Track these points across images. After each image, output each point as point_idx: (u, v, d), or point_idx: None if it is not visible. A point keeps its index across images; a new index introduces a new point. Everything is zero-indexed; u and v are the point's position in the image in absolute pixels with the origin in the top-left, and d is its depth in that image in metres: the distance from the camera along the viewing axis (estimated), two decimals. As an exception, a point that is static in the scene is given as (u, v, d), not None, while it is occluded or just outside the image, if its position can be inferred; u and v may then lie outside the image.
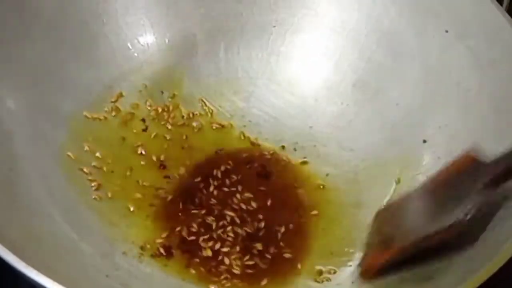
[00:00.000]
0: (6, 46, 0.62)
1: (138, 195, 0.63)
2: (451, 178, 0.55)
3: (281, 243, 0.62)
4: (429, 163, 0.64)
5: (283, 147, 0.69)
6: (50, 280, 0.44)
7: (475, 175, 0.52)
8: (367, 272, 0.57)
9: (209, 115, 0.70)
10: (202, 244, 0.61)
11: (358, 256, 0.60)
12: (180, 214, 0.63)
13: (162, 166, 0.66)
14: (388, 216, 0.59)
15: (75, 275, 0.53)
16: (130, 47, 0.70)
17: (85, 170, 0.64)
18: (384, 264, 0.55)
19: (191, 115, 0.70)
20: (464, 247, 0.53)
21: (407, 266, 0.55)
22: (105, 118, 0.68)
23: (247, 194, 0.65)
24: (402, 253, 0.55)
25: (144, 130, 0.68)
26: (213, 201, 0.64)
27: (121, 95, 0.69)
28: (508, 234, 0.51)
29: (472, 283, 0.48)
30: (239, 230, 0.62)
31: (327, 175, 0.67)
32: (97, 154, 0.65)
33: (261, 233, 0.62)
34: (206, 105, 0.70)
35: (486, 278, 0.48)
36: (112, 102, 0.68)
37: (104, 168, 0.65)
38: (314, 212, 0.64)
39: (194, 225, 0.62)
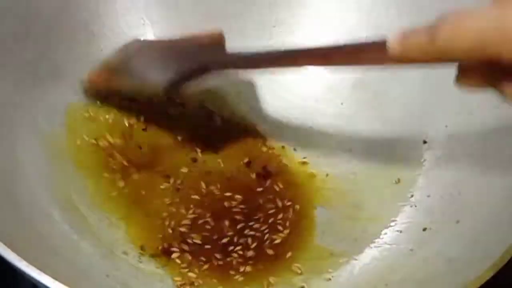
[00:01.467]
0: (6, 46, 0.62)
1: (138, 195, 0.63)
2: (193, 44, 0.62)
3: (282, 244, 0.62)
4: (429, 164, 0.64)
5: (283, 147, 0.69)
6: (52, 279, 0.44)
7: (214, 52, 0.60)
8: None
9: (209, 115, 0.70)
10: (202, 244, 0.61)
11: (358, 257, 0.61)
12: (180, 214, 0.63)
13: (161, 165, 0.66)
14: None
15: (75, 275, 0.53)
16: (130, 47, 0.70)
17: (84, 170, 0.64)
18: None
19: (190, 115, 0.70)
20: None
21: None
22: (105, 118, 0.67)
23: (247, 195, 0.65)
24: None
25: (144, 129, 0.68)
26: (213, 201, 0.64)
27: (120, 95, 0.69)
28: (507, 234, 0.51)
29: (472, 283, 0.48)
30: (239, 231, 0.62)
31: (327, 175, 0.67)
32: (97, 154, 0.65)
33: (261, 234, 0.62)
34: (206, 105, 0.70)
35: (486, 279, 0.48)
36: (111, 102, 0.68)
37: (104, 169, 0.65)
38: (314, 212, 0.64)
39: (194, 226, 0.62)
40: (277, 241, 0.62)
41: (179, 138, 0.68)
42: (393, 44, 0.42)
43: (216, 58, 0.59)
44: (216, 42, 0.61)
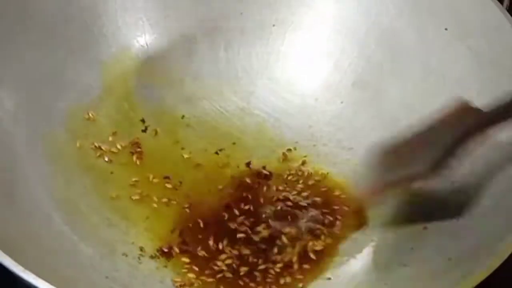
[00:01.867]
0: (5, 47, 0.62)
1: (138, 197, 0.64)
2: (442, 122, 0.56)
3: (281, 244, 0.61)
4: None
5: (283, 146, 0.69)
6: (48, 284, 0.44)
7: (463, 121, 0.54)
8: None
9: (209, 115, 0.70)
10: (202, 245, 0.61)
11: (357, 256, 0.60)
12: (179, 215, 0.63)
13: (162, 166, 0.66)
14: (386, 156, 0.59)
15: (74, 276, 0.53)
16: (130, 47, 0.70)
17: (84, 171, 0.64)
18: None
19: (190, 116, 0.70)
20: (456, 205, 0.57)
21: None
22: (105, 118, 0.68)
23: (248, 195, 0.65)
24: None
25: (144, 130, 0.68)
26: (213, 201, 0.64)
27: (120, 95, 0.69)
28: (506, 232, 0.51)
29: (471, 282, 0.48)
30: (240, 231, 0.62)
31: (327, 174, 0.67)
32: (97, 155, 0.65)
33: (262, 234, 0.62)
34: (206, 105, 0.70)
35: (484, 277, 0.48)
36: (111, 102, 0.68)
37: (104, 169, 0.65)
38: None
39: (194, 226, 0.62)
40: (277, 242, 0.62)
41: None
42: None
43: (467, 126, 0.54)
44: (465, 111, 0.56)
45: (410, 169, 0.56)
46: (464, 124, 0.54)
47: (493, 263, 0.49)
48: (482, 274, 0.48)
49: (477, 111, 0.54)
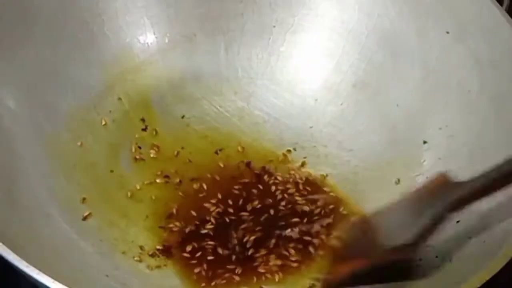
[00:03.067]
0: (6, 46, 0.62)
1: (138, 196, 0.64)
2: (423, 196, 0.55)
3: (281, 244, 0.62)
4: (429, 164, 0.64)
5: (283, 147, 0.69)
6: (51, 279, 0.44)
7: (444, 194, 0.53)
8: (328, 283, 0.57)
9: (209, 115, 0.70)
10: (202, 245, 0.61)
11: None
12: (179, 214, 0.63)
13: (161, 166, 0.66)
14: (358, 229, 0.58)
15: (74, 275, 0.53)
16: (130, 47, 0.70)
17: (85, 170, 0.64)
18: (346, 276, 0.55)
19: (191, 115, 0.70)
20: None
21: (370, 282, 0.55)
22: (105, 117, 0.68)
23: (247, 195, 0.65)
24: (364, 266, 0.55)
25: (144, 129, 0.68)
26: (213, 202, 0.64)
27: (121, 94, 0.69)
28: (507, 234, 0.51)
29: (472, 283, 0.48)
30: (238, 231, 0.62)
31: (326, 175, 0.67)
32: (97, 154, 0.65)
33: (261, 234, 0.62)
34: (206, 105, 0.70)
35: (486, 279, 0.48)
36: (112, 101, 0.68)
37: (104, 168, 0.65)
38: (313, 212, 0.64)
39: (194, 226, 0.62)
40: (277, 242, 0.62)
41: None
42: None
43: (448, 200, 0.53)
44: (443, 182, 0.55)
45: (390, 242, 0.54)
46: (445, 199, 0.52)
47: (495, 265, 0.49)
48: (483, 275, 0.48)
49: (458, 185, 0.53)
